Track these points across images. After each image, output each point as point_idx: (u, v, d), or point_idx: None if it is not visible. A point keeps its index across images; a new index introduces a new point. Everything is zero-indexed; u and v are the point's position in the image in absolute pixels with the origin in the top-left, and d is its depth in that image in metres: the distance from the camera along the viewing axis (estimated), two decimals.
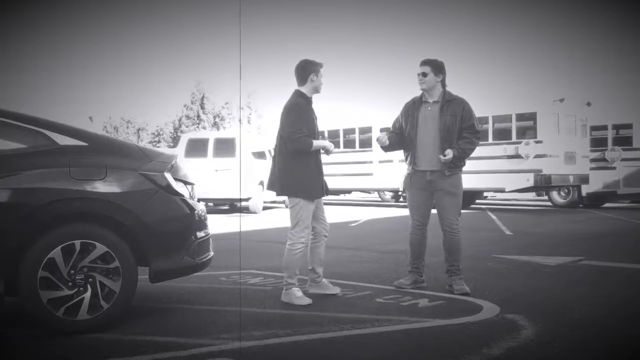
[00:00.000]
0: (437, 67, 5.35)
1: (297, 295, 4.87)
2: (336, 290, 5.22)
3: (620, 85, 58.40)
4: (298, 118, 4.95)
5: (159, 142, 47.46)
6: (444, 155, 5.15)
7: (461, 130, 5.28)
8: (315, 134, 5.10)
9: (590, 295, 5.09)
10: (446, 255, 5.43)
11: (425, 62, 5.37)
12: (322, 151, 5.05)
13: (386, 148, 5.50)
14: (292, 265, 4.96)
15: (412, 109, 5.45)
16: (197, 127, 44.40)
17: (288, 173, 4.98)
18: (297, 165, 4.97)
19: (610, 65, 64.78)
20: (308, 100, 5.11)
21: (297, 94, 5.07)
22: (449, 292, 5.23)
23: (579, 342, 3.65)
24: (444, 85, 5.39)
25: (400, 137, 5.51)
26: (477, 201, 19.43)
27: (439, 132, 5.26)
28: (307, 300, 4.84)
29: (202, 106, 45.77)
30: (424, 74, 5.33)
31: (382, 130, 16.88)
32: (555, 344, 3.60)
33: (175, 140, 43.60)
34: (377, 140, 5.45)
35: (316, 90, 5.13)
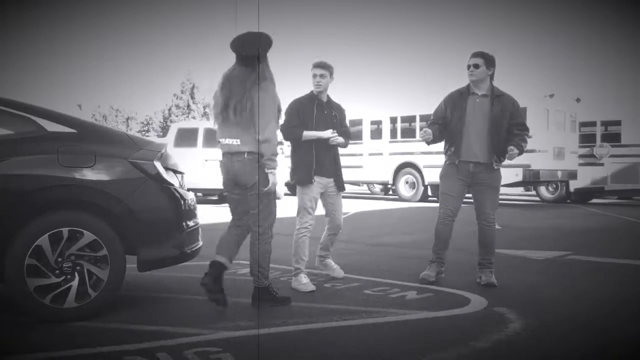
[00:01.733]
0: (489, 60, 5.30)
1: (302, 282, 5.04)
2: (340, 274, 5.51)
3: (609, 82, 58.79)
4: (291, 112, 5.28)
5: (148, 131, 47.25)
6: (509, 152, 5.15)
7: (510, 125, 5.26)
8: (314, 126, 5.25)
9: (578, 289, 5.12)
10: (480, 248, 5.39)
11: (477, 54, 5.31)
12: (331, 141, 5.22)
13: (430, 142, 5.40)
14: (298, 251, 5.18)
15: (460, 100, 5.36)
16: (187, 117, 44.24)
17: (291, 162, 5.48)
18: (293, 155, 5.40)
19: (600, 63, 65.16)
20: (312, 97, 5.36)
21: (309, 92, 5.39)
22: (478, 283, 5.23)
23: (566, 336, 3.67)
24: (492, 79, 5.36)
25: (442, 128, 5.41)
26: (466, 195, 19.52)
27: (489, 126, 5.24)
28: (311, 287, 4.98)
29: (192, 96, 45.61)
30: (476, 66, 5.26)
31: (422, 118, 16.90)
32: (542, 338, 3.62)
33: (164, 130, 43.42)
34: (422, 133, 5.34)
35: (314, 88, 5.35)
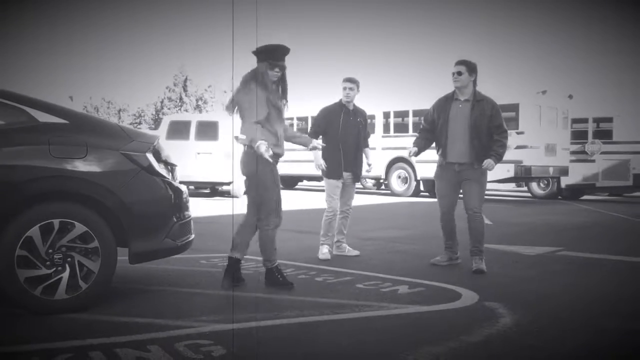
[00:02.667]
0: (471, 68, 5.74)
1: (322, 252, 6.31)
2: (355, 252, 6.51)
3: (602, 79, 58.99)
4: (318, 118, 6.58)
5: (140, 123, 47.05)
6: (484, 164, 5.62)
7: (489, 127, 5.68)
8: (340, 129, 6.34)
9: (569, 285, 5.15)
10: (470, 237, 5.79)
11: (460, 62, 5.75)
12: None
13: (417, 154, 5.98)
14: (323, 227, 6.41)
15: (445, 105, 5.85)
16: (180, 109, 44.06)
17: (322, 158, 6.42)
18: (324, 152, 6.34)
19: (592, 59, 65.35)
20: (341, 105, 6.49)
21: None
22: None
23: (557, 331, 3.68)
24: (475, 84, 5.79)
25: (429, 133, 5.97)
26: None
27: (469, 128, 5.68)
28: (326, 257, 6.22)
29: (184, 89, 45.40)
30: (459, 73, 5.71)
31: (415, 113, 16.96)
32: (533, 333, 3.64)
33: (156, 122, 43.26)
34: (409, 154, 5.96)
35: (344, 98, 6.52)
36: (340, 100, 6.50)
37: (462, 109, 5.75)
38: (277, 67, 4.81)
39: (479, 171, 5.72)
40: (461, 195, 5.88)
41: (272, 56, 4.80)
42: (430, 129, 5.95)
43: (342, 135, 6.37)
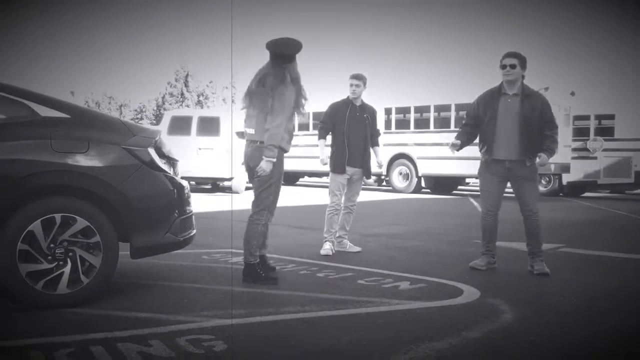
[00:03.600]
0: (523, 61, 5.51)
1: (324, 247, 6.31)
2: (357, 248, 6.52)
3: (604, 76, 58.88)
4: (326, 114, 6.61)
5: (141, 119, 47.06)
6: (539, 158, 5.39)
7: (541, 123, 5.47)
8: (346, 125, 6.42)
9: (570, 282, 5.15)
10: (527, 238, 5.63)
11: (513, 55, 5.50)
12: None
13: (459, 149, 5.70)
14: (326, 223, 6.44)
15: (492, 100, 5.60)
16: (181, 105, 44.05)
17: (330, 152, 6.57)
18: (332, 147, 6.54)
19: (594, 57, 65.24)
20: (347, 102, 6.55)
21: None
22: (529, 272, 5.46)
23: (557, 328, 3.68)
24: (523, 78, 5.58)
25: (473, 128, 5.73)
26: (459, 187, 19.58)
27: (519, 124, 5.46)
28: (327, 252, 6.23)
29: (186, 84, 45.38)
30: (513, 66, 5.46)
31: (416, 109, 16.92)
32: (534, 329, 3.64)
33: (157, 118, 43.25)
34: (451, 146, 5.67)
35: (350, 95, 6.53)
36: (348, 96, 6.54)
37: (511, 103, 5.50)
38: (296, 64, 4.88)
39: (531, 168, 5.53)
40: (512, 195, 5.74)
41: (296, 52, 4.83)
42: (474, 124, 5.71)
43: (347, 131, 6.41)
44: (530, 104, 5.46)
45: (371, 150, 6.65)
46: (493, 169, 5.64)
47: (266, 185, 4.82)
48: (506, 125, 5.51)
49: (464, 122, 5.90)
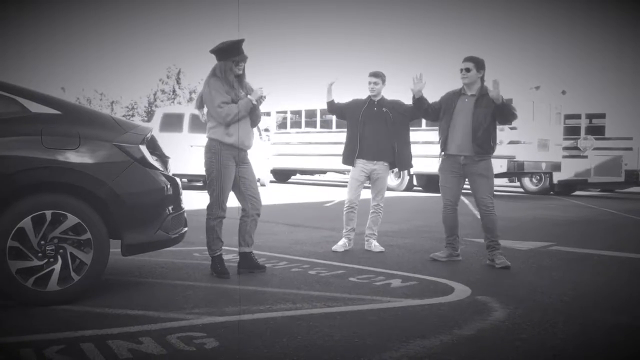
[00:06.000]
0: (479, 64, 5.76)
1: (337, 244, 6.41)
2: (380, 248, 6.42)
3: (595, 75, 59.15)
4: (347, 102, 6.73)
5: (132, 116, 46.88)
6: (491, 93, 5.52)
7: (494, 118, 5.70)
8: (361, 119, 6.43)
9: (561, 280, 5.17)
10: (485, 232, 5.83)
11: (469, 59, 5.77)
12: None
13: (417, 96, 5.90)
14: (345, 221, 6.47)
15: (452, 99, 5.88)
16: (173, 102, 43.91)
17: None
18: (345, 139, 6.59)
19: (586, 55, 65.52)
20: (367, 98, 6.57)
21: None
22: (489, 266, 5.66)
23: (548, 325, 3.70)
24: (482, 80, 5.81)
25: (433, 111, 6.01)
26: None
27: (472, 121, 5.69)
28: (338, 249, 6.28)
29: (178, 81, 45.24)
30: (467, 70, 5.73)
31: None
32: (525, 327, 3.65)
33: (149, 115, 43.10)
34: (414, 79, 5.85)
35: (370, 92, 6.57)
36: (368, 95, 6.56)
37: (467, 103, 5.77)
38: (241, 61, 5.01)
39: (484, 165, 5.74)
40: (470, 191, 5.93)
41: (235, 52, 4.96)
42: (434, 111, 6.00)
43: (361, 124, 6.42)
44: (485, 102, 5.66)
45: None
46: (449, 165, 5.89)
47: (208, 181, 5.02)
48: (460, 122, 5.76)
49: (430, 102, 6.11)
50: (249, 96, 5.00)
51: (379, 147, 6.43)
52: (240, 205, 5.18)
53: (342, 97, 6.73)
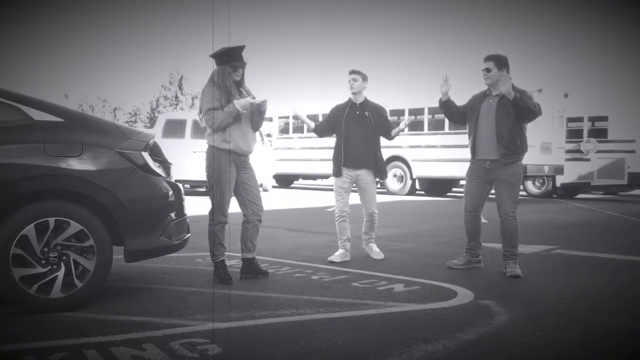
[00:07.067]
0: (500, 62, 5.51)
1: (335, 254, 6.12)
2: (379, 256, 6.19)
3: (597, 78, 59.10)
4: (327, 116, 6.47)
5: (135, 122, 46.93)
6: (502, 90, 5.32)
7: (518, 118, 5.45)
8: (344, 124, 6.17)
9: (564, 283, 5.16)
10: (502, 240, 5.62)
11: (488, 58, 5.54)
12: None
13: (444, 99, 5.75)
14: (338, 231, 6.23)
15: (477, 101, 5.69)
16: (175, 108, 43.99)
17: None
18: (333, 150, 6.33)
19: (588, 58, 65.49)
20: (349, 100, 6.32)
21: None
22: (503, 274, 5.46)
23: (552, 329, 3.70)
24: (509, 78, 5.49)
25: (460, 114, 5.84)
26: (454, 189, 19.60)
27: (496, 124, 5.47)
28: (335, 259, 6.00)
29: (180, 87, 45.32)
30: (488, 70, 5.51)
31: (411, 112, 16.77)
32: (528, 331, 3.65)
33: (152, 121, 43.17)
34: (441, 82, 5.71)
35: (350, 90, 6.30)
36: (349, 98, 6.30)
37: (492, 104, 5.56)
38: (240, 67, 5.05)
39: (510, 171, 5.50)
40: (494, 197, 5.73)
41: (234, 58, 5.01)
42: (461, 114, 5.83)
43: (345, 131, 6.15)
44: (507, 102, 5.40)
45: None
46: (474, 170, 5.71)
47: (208, 186, 5.05)
48: (485, 125, 5.56)
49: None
50: (235, 101, 4.95)
51: (362, 154, 6.15)
52: (241, 211, 5.20)
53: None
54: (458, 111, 5.85)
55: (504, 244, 5.62)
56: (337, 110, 6.31)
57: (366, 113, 6.17)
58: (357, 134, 6.13)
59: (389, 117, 6.44)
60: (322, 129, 6.42)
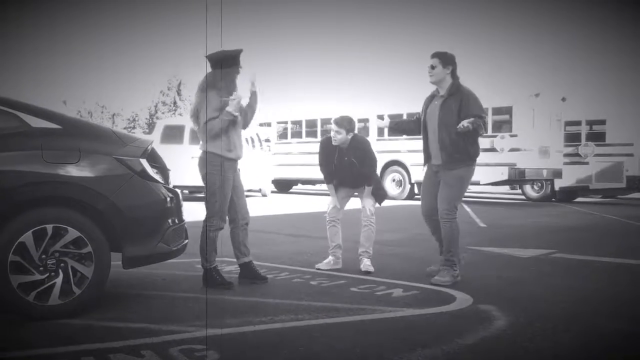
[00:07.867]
0: (446, 60, 5.26)
1: (323, 261, 5.97)
2: (370, 269, 5.77)
3: (595, 81, 59.19)
4: (319, 152, 6.20)
5: (134, 128, 46.89)
6: (462, 126, 4.98)
7: (460, 121, 5.06)
8: (335, 168, 6.03)
9: (562, 287, 5.16)
10: (440, 243, 5.47)
11: (433, 55, 5.31)
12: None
13: (392, 129, 5.80)
14: (328, 236, 6.07)
15: (426, 104, 5.47)
16: (174, 113, 43.99)
17: None
18: None
19: (586, 62, 65.60)
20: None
21: None
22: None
23: (551, 333, 3.69)
24: (454, 77, 5.28)
25: (415, 126, 5.71)
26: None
27: (437, 127, 5.25)
28: (322, 267, 5.86)
29: (178, 93, 45.32)
30: (432, 67, 5.27)
31: (409, 116, 16.80)
32: (527, 335, 3.64)
33: (150, 127, 43.15)
34: (378, 122, 5.76)
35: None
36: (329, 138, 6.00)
37: (436, 106, 5.29)
38: (234, 72, 5.06)
39: (452, 173, 5.21)
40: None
41: (230, 63, 5.02)
42: (416, 127, 5.66)
43: (334, 171, 6.01)
44: (449, 103, 5.18)
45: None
46: (427, 173, 5.54)
47: (210, 192, 5.00)
48: (431, 128, 5.35)
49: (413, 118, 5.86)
50: (227, 109, 4.92)
51: (355, 182, 6.02)
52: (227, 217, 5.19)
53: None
54: (413, 123, 5.74)
55: (440, 247, 5.44)
56: (327, 154, 6.02)
57: (353, 159, 5.87)
58: (345, 175, 6.00)
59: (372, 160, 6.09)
60: (326, 173, 6.13)
